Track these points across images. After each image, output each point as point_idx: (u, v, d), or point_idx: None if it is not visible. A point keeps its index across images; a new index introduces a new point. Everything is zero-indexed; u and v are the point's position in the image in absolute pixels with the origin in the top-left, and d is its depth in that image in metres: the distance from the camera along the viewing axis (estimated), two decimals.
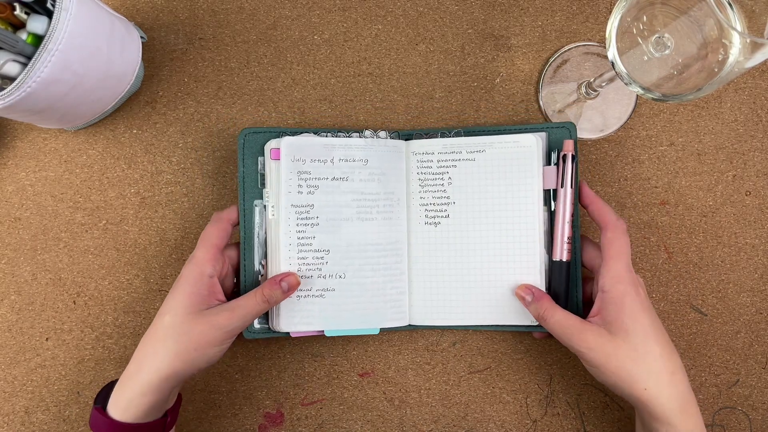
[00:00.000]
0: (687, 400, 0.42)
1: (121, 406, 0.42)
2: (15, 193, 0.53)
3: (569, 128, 0.50)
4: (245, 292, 0.48)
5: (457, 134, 0.52)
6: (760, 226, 0.54)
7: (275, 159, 0.49)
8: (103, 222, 0.53)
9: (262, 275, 0.50)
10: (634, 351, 0.42)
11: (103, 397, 0.44)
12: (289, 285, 0.47)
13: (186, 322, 0.43)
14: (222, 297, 0.46)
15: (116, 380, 0.44)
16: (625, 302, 0.42)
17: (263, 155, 0.50)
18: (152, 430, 0.43)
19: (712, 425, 0.53)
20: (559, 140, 0.50)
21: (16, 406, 0.52)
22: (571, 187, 0.48)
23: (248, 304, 0.45)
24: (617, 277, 0.43)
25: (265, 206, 0.50)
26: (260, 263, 0.50)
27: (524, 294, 0.48)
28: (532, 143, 0.49)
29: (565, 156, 0.48)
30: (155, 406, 0.42)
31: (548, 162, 0.50)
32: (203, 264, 0.44)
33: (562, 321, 0.44)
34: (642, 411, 0.43)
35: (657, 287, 0.54)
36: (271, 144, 0.49)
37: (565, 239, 0.48)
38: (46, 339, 0.53)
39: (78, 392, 0.52)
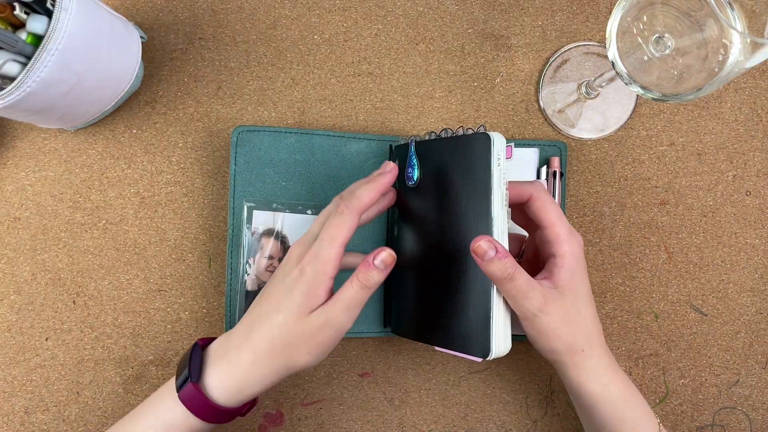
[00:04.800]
0: (610, 357, 0.44)
1: (227, 391, 0.41)
2: (15, 192, 0.53)
3: (560, 147, 0.53)
4: (231, 289, 0.49)
5: None
6: (760, 226, 0.54)
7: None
8: (103, 222, 0.53)
9: (248, 274, 0.50)
10: (578, 314, 0.42)
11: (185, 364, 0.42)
12: (383, 262, 0.41)
13: (299, 323, 0.40)
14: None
15: (201, 343, 0.43)
16: (577, 265, 0.42)
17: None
18: (235, 414, 0.43)
19: (712, 425, 0.53)
20: (549, 156, 0.53)
21: (16, 406, 0.52)
22: (559, 201, 0.51)
23: (348, 295, 0.41)
24: (567, 241, 0.43)
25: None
26: (247, 262, 0.50)
27: (486, 248, 0.39)
28: (531, 158, 0.50)
29: (555, 172, 0.51)
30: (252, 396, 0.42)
31: (537, 176, 0.53)
32: (327, 264, 0.41)
33: (528, 283, 0.40)
34: (573, 374, 0.43)
35: (657, 287, 0.54)
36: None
37: None
38: (46, 339, 0.53)
39: (77, 392, 0.52)
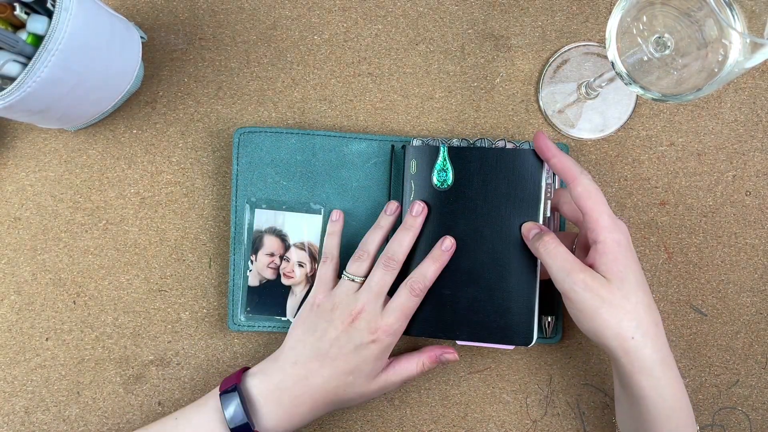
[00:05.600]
0: (667, 352, 0.42)
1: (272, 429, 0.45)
2: (15, 193, 0.53)
3: (562, 149, 0.52)
4: (233, 284, 0.52)
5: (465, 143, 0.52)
6: (760, 226, 0.54)
7: None
8: (103, 222, 0.53)
9: (250, 270, 0.51)
10: (626, 300, 0.41)
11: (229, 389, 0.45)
12: (447, 361, 0.50)
13: (363, 386, 0.46)
14: None
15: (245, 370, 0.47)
16: (620, 251, 0.42)
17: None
18: None
19: (712, 425, 0.53)
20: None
21: (16, 406, 0.52)
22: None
23: (409, 369, 0.48)
24: (608, 227, 0.42)
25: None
26: (249, 260, 0.52)
27: (529, 229, 0.46)
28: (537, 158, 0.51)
29: (554, 174, 0.51)
30: None
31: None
32: (397, 337, 0.47)
33: (565, 255, 0.42)
34: (624, 362, 0.41)
35: (657, 287, 0.54)
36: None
37: None
38: (46, 339, 0.53)
39: (78, 392, 0.52)
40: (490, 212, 0.48)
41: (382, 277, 0.46)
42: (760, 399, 0.54)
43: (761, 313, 0.54)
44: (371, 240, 0.49)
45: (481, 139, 0.49)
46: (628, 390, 0.43)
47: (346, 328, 0.45)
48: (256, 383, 0.45)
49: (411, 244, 0.48)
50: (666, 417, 0.41)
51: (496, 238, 0.47)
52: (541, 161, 0.47)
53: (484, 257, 0.48)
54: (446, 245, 0.47)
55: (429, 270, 0.47)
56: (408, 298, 0.46)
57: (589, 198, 0.43)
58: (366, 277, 0.47)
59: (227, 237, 0.53)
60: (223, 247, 0.53)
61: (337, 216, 0.51)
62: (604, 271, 0.42)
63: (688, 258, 0.54)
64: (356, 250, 0.49)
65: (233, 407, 0.43)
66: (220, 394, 0.44)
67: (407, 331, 0.49)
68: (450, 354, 0.49)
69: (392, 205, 0.50)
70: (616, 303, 0.41)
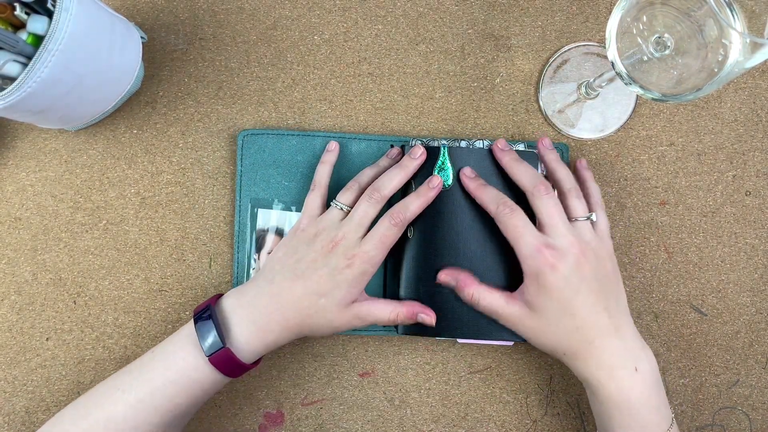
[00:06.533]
0: (614, 364, 0.43)
1: (253, 352, 0.45)
2: (15, 193, 0.53)
3: (562, 149, 0.54)
4: (237, 283, 0.52)
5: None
6: (760, 226, 0.54)
7: None
8: (104, 222, 0.54)
9: (253, 269, 0.52)
10: (549, 326, 0.44)
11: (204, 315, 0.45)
12: (422, 321, 0.47)
13: (334, 312, 0.45)
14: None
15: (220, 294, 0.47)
16: (539, 280, 0.43)
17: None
18: (251, 368, 0.46)
19: (712, 425, 0.53)
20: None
21: (17, 406, 0.52)
22: None
23: (382, 312, 0.47)
24: (527, 255, 0.44)
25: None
26: (252, 259, 0.52)
27: (449, 280, 0.47)
28: (532, 159, 0.50)
29: None
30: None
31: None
32: (375, 267, 0.46)
33: (492, 303, 0.45)
34: (572, 364, 0.45)
35: (657, 287, 0.54)
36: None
37: None
38: (47, 339, 0.53)
39: (78, 392, 0.52)
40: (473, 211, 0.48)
41: (366, 209, 0.46)
42: (760, 399, 0.54)
43: (761, 313, 0.54)
44: (365, 174, 0.50)
45: (481, 140, 0.49)
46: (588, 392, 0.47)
47: (325, 253, 0.45)
48: (230, 302, 0.46)
49: (401, 183, 0.48)
50: (619, 413, 0.43)
51: (495, 236, 0.47)
52: (536, 161, 0.48)
53: (484, 255, 0.48)
54: (433, 183, 0.48)
55: (413, 204, 0.47)
56: (387, 227, 0.46)
57: (506, 233, 0.45)
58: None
59: (227, 237, 0.53)
60: (224, 247, 0.53)
61: (333, 146, 0.52)
62: (528, 301, 0.45)
63: (688, 258, 0.54)
64: (349, 182, 0.49)
65: (208, 334, 0.43)
66: (195, 320, 0.44)
67: (408, 331, 0.49)
68: (428, 316, 0.47)
69: (394, 151, 0.52)
70: (540, 329, 0.45)
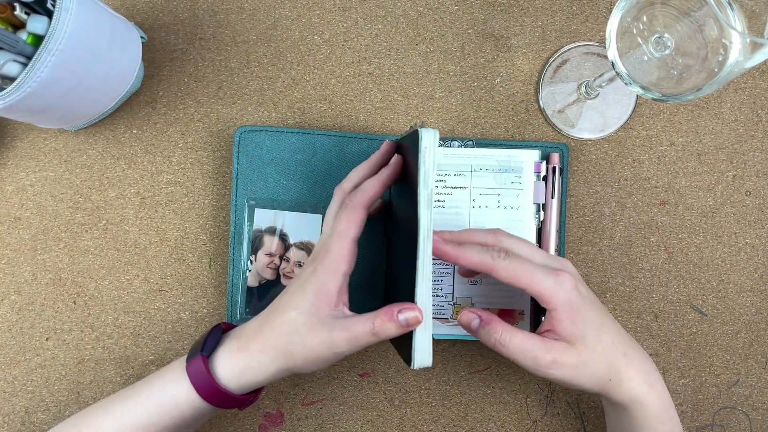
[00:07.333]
0: (647, 370, 0.42)
1: (231, 373, 0.41)
2: (15, 193, 0.53)
3: (562, 149, 0.53)
4: (232, 284, 0.51)
5: (466, 145, 0.52)
6: (760, 226, 0.54)
7: None
8: (103, 222, 0.54)
9: (249, 270, 0.51)
10: (593, 352, 0.41)
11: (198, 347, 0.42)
12: (407, 321, 0.38)
13: (307, 326, 0.40)
14: (346, 298, 0.42)
15: (215, 329, 0.43)
16: (572, 309, 0.40)
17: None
18: (234, 402, 0.42)
19: (712, 425, 0.53)
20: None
21: (17, 406, 0.52)
22: (559, 198, 0.51)
23: (357, 330, 0.39)
24: (553, 293, 0.40)
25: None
26: (249, 258, 0.51)
27: (468, 319, 0.41)
28: (531, 159, 0.50)
29: (555, 168, 0.51)
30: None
31: (537, 175, 0.52)
32: (339, 261, 0.40)
33: (523, 345, 0.40)
34: (611, 399, 0.43)
35: (657, 287, 0.54)
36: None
37: (552, 248, 0.51)
38: (46, 339, 0.53)
39: (78, 392, 0.52)
40: (406, 211, 0.41)
41: (330, 207, 0.44)
42: (760, 399, 0.54)
43: (761, 313, 0.54)
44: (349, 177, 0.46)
45: (470, 140, 0.47)
46: (618, 410, 0.44)
47: (304, 270, 0.42)
48: (237, 327, 0.44)
49: (363, 178, 0.44)
50: (661, 423, 0.42)
51: (408, 240, 0.40)
52: (416, 145, 0.38)
53: (403, 263, 0.42)
54: (383, 148, 0.45)
55: (369, 186, 0.43)
56: (346, 214, 0.42)
57: (519, 277, 0.40)
58: None
59: (227, 237, 0.53)
60: (223, 247, 0.53)
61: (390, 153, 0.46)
62: (565, 337, 0.41)
63: (688, 258, 0.54)
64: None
65: (197, 347, 0.41)
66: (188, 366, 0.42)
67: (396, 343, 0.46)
68: (411, 311, 0.38)
69: (385, 145, 0.47)
70: (584, 362, 0.40)
